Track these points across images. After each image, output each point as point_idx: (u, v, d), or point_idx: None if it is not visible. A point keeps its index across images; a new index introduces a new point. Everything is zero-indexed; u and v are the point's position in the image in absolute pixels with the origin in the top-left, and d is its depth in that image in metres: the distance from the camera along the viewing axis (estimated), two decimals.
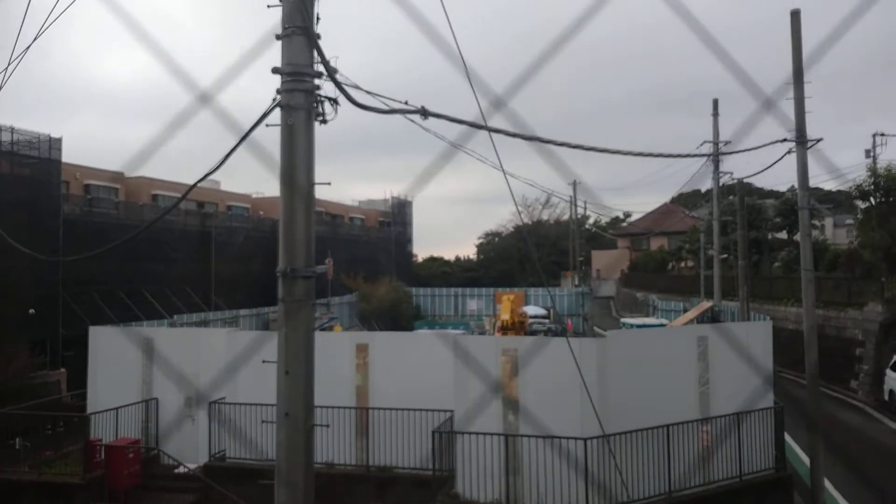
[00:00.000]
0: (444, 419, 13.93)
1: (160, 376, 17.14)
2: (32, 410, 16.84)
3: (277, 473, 6.08)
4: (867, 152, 41.69)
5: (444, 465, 13.38)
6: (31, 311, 24.45)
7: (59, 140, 27.08)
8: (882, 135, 41.32)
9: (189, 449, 16.23)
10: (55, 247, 25.52)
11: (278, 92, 5.83)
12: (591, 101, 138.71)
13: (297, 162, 5.93)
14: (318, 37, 5.76)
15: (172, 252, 34.40)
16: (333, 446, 14.22)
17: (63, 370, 24.17)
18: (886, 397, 22.67)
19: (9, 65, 7.63)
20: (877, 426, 21.29)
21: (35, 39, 7.47)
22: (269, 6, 5.67)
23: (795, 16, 15.17)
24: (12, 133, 25.68)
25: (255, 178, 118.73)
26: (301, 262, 6.03)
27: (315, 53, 5.80)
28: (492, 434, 13.25)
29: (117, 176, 41.01)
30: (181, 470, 15.69)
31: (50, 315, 25.51)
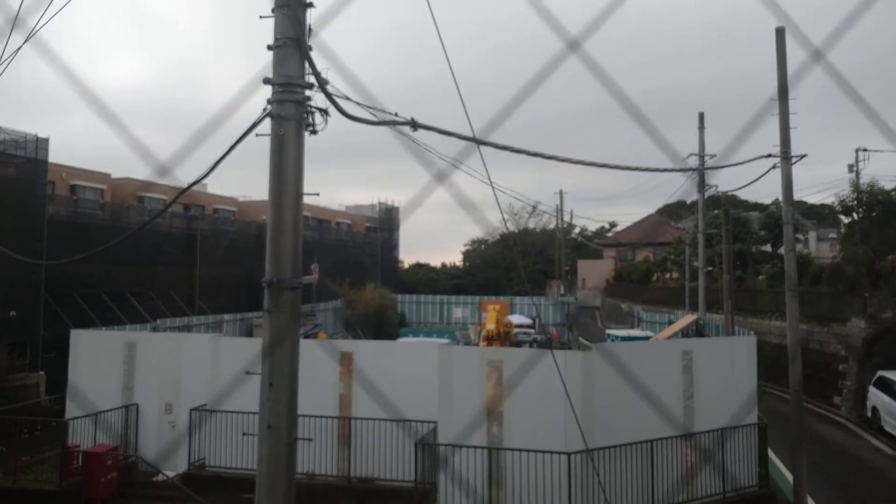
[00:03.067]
0: (427, 430, 13.85)
1: (141, 381, 16.98)
2: (9, 414, 16.57)
3: (258, 488, 6.01)
4: (850, 167, 42.07)
5: (427, 477, 13.30)
6: (12, 313, 24.13)
7: (46, 140, 26.81)
8: (864, 150, 41.74)
9: (168, 456, 16.06)
10: (39, 248, 25.22)
11: (269, 102, 5.79)
12: (578, 109, 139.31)
13: (286, 172, 5.90)
14: (310, 48, 5.72)
15: (157, 255, 34.11)
16: (315, 456, 14.11)
17: (42, 373, 23.84)
18: (869, 414, 22.78)
19: None
20: (859, 443, 21.40)
21: (26, 41, 7.35)
22: (261, 17, 5.63)
23: (780, 33, 15.32)
24: None
25: (242, 181, 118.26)
26: (288, 272, 5.98)
27: (306, 64, 5.77)
28: (475, 447, 13.17)
29: (104, 177, 40.71)
30: (160, 478, 15.50)
31: (31, 316, 25.20)
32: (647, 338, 31.16)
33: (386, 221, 68.34)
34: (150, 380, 16.89)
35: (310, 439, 12.88)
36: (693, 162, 30.57)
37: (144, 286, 32.86)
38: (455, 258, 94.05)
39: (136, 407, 16.77)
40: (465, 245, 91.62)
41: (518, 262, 62.11)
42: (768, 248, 46.43)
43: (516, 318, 39.85)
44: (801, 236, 48.84)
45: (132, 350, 17.15)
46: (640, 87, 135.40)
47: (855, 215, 33.28)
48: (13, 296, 24.33)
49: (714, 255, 36.82)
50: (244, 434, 13.47)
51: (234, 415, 14.36)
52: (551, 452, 12.43)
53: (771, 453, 16.73)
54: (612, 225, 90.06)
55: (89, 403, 16.33)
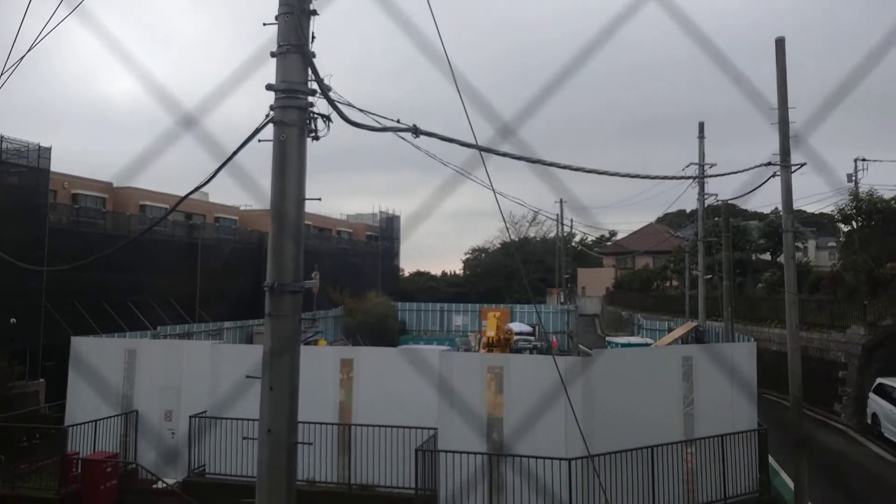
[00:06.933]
0: (427, 437, 13.85)
1: (141, 388, 16.99)
2: (8, 422, 16.56)
3: (259, 492, 6.02)
4: (849, 176, 42.26)
5: (427, 483, 13.29)
6: (13, 320, 24.17)
7: (48, 149, 26.94)
8: (864, 160, 41.98)
9: (168, 463, 16.05)
10: (40, 256, 25.28)
11: (272, 108, 5.83)
12: (583, 119, 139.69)
13: (288, 177, 5.93)
14: (313, 55, 5.78)
15: (158, 263, 34.16)
16: (315, 463, 14.10)
17: (42, 381, 23.83)
18: (869, 421, 22.74)
19: (0, 75, 7.58)
20: (859, 449, 21.37)
21: (29, 50, 7.42)
22: (264, 24, 5.68)
23: (780, 43, 15.42)
24: (1, 141, 25.51)
25: (244, 191, 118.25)
26: (289, 276, 6.01)
27: (309, 71, 5.82)
28: (476, 453, 13.17)
29: (106, 186, 40.82)
30: (160, 485, 15.49)
31: (32, 324, 25.22)
32: (647, 345, 31.14)
33: (387, 230, 68.45)
34: (150, 387, 16.90)
35: (310, 443, 12.89)
36: (693, 171, 30.66)
37: (145, 294, 32.91)
38: (455, 266, 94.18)
39: (136, 414, 16.77)
40: (466, 253, 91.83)
41: (520, 269, 62.02)
42: (768, 256, 46.51)
43: (516, 326, 39.83)
44: (800, 244, 48.90)
45: (132, 357, 17.17)
46: (648, 101, 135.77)
47: (854, 223, 33.34)
48: (14, 303, 24.36)
49: (714, 262, 36.87)
50: (244, 438, 13.46)
51: (234, 422, 14.35)
52: (552, 459, 12.42)
53: (772, 460, 16.71)
54: (613, 234, 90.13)
55: (89, 410, 16.34)
